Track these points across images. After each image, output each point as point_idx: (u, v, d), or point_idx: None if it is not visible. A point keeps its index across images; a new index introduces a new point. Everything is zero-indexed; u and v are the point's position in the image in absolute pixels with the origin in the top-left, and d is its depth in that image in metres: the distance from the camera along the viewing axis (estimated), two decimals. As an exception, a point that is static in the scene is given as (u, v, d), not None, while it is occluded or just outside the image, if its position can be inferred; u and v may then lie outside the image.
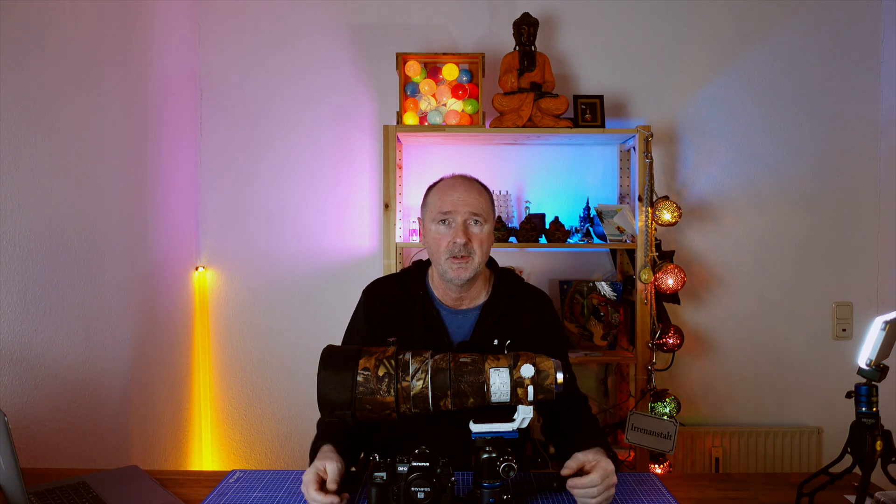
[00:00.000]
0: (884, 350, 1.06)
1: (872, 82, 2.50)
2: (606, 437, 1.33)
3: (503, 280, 1.46)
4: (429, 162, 2.48)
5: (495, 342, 1.33)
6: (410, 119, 2.29)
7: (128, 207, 1.97)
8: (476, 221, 1.36)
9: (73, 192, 1.69)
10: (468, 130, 2.26)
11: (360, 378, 1.06)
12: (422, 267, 1.49)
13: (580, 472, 1.13)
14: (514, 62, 2.29)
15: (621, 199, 2.43)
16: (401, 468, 1.04)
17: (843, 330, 2.52)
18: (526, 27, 2.29)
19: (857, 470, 1.09)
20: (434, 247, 1.37)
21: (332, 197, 2.50)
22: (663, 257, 2.29)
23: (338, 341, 1.40)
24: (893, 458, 1.06)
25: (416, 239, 2.34)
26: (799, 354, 2.53)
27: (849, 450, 1.08)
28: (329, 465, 1.13)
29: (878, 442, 1.05)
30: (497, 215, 2.32)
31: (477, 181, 1.44)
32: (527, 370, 1.07)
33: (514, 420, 1.10)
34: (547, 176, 2.49)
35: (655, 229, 2.26)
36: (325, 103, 2.49)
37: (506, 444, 1.10)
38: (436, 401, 1.08)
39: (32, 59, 1.54)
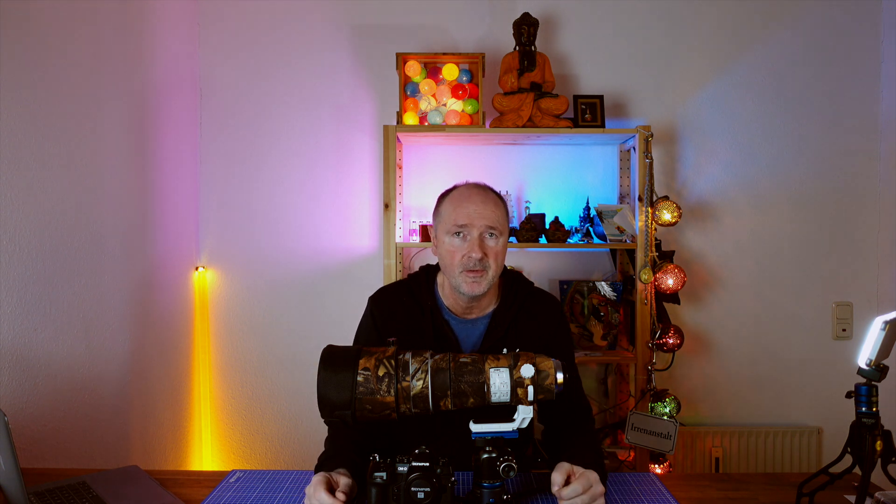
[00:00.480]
0: (884, 350, 1.06)
1: (872, 82, 2.50)
2: (603, 457, 1.31)
3: (512, 286, 1.43)
4: (429, 162, 2.49)
5: (504, 351, 1.32)
6: (410, 119, 2.29)
7: (128, 207, 1.97)
8: (492, 234, 1.32)
9: (74, 192, 1.69)
10: (468, 130, 2.26)
11: (360, 378, 1.06)
12: (430, 273, 1.46)
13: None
14: (514, 62, 2.29)
15: (621, 199, 2.43)
16: (401, 468, 1.04)
17: (843, 330, 2.52)
18: (526, 27, 2.29)
19: (857, 470, 1.09)
20: (448, 259, 1.34)
21: (332, 197, 2.50)
22: (663, 257, 2.29)
23: (338, 341, 1.40)
24: (893, 458, 1.06)
25: (416, 239, 2.33)
26: (799, 354, 2.53)
27: (849, 450, 1.08)
28: (342, 479, 1.10)
29: (878, 442, 1.05)
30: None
31: (493, 191, 1.39)
32: (527, 370, 1.07)
33: (514, 420, 1.10)
34: (547, 176, 2.49)
35: (655, 229, 2.26)
36: (325, 103, 2.49)
37: (506, 444, 1.10)
38: (436, 401, 1.08)
39: (33, 61, 1.54)
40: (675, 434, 2.10)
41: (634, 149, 2.29)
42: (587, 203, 2.35)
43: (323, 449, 1.28)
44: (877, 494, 1.10)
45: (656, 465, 2.26)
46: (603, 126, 2.30)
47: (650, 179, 2.24)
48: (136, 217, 2.02)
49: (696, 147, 2.51)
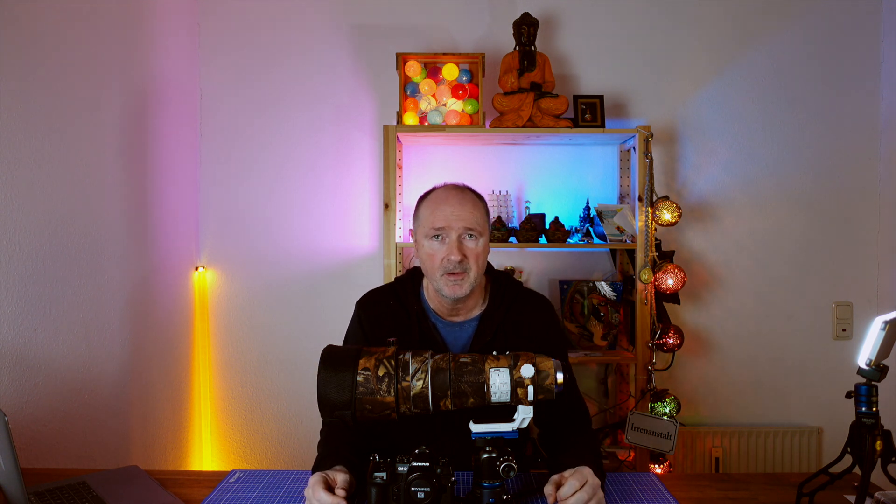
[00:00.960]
0: (884, 350, 1.06)
1: (872, 82, 2.50)
2: (601, 457, 1.30)
3: (500, 288, 1.42)
4: (429, 162, 2.49)
5: (494, 353, 1.31)
6: (410, 119, 2.29)
7: (128, 207, 1.97)
8: (471, 236, 1.31)
9: (74, 192, 1.69)
10: (468, 130, 2.26)
11: (360, 378, 1.06)
12: (416, 276, 1.45)
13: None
14: (514, 62, 2.29)
15: (621, 199, 2.43)
16: (401, 468, 1.04)
17: (843, 330, 2.52)
18: (526, 27, 2.29)
19: (856, 470, 1.09)
20: (428, 263, 1.33)
21: (332, 197, 2.50)
22: (663, 257, 2.29)
23: (338, 341, 1.40)
24: (893, 458, 1.06)
25: (416, 239, 2.33)
26: (799, 354, 2.53)
27: (849, 450, 1.08)
28: (339, 476, 1.11)
29: (878, 442, 1.05)
30: (497, 215, 2.32)
31: (470, 191, 1.37)
32: (527, 370, 1.07)
33: (514, 420, 1.10)
34: (547, 176, 2.49)
35: (655, 229, 2.26)
36: (325, 103, 2.49)
37: (506, 444, 1.10)
38: (436, 401, 1.08)
39: (32, 60, 1.54)
40: (675, 434, 2.10)
41: (634, 149, 2.29)
42: (587, 203, 2.35)
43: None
44: (877, 494, 1.10)
45: (656, 465, 2.26)
46: (603, 126, 2.30)
47: (650, 179, 2.24)
48: (136, 217, 2.02)
49: (696, 147, 2.51)
